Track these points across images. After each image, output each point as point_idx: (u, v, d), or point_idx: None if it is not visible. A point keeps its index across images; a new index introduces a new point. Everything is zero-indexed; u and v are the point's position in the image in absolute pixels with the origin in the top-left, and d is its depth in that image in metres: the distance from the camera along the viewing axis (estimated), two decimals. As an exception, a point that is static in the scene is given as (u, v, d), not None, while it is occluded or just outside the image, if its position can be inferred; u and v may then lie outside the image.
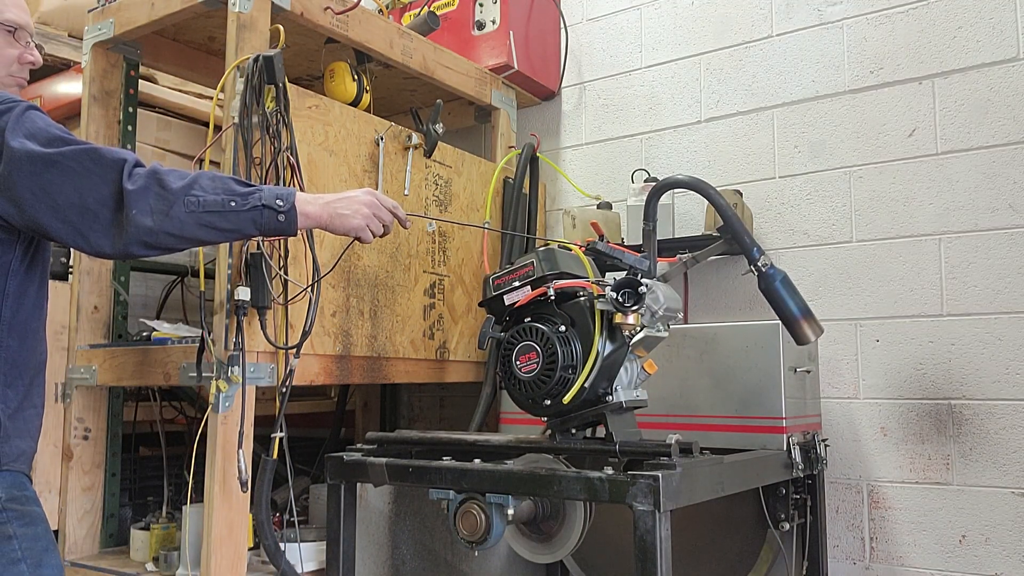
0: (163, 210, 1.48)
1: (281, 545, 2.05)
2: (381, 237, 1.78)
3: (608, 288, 1.81)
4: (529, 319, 1.90)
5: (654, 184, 2.07)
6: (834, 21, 2.71)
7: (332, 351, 2.17)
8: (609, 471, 1.69)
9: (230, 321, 1.93)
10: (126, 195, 1.46)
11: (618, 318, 1.79)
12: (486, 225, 2.73)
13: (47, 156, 1.46)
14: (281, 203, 1.58)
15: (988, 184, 2.43)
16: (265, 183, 1.98)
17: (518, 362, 1.87)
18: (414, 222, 2.48)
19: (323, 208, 1.66)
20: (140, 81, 2.58)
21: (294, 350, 2.01)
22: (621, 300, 1.78)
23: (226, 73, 2.03)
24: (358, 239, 1.74)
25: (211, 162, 2.04)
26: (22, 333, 1.60)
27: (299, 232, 1.64)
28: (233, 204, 1.54)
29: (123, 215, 1.46)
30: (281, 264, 2.02)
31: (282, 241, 2.02)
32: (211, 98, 2.07)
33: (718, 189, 2.00)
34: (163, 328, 2.25)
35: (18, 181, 1.47)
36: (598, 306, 1.82)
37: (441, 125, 2.47)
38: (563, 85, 3.22)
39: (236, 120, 1.99)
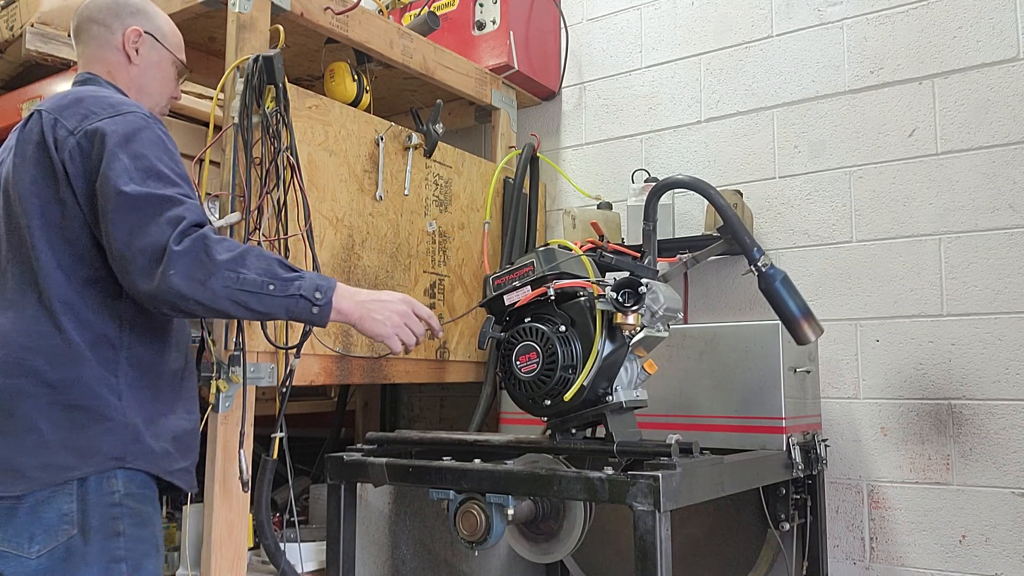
0: (200, 279, 1.49)
1: (281, 545, 2.06)
2: (409, 350, 1.77)
3: (608, 288, 1.81)
4: (529, 319, 1.90)
5: (654, 184, 2.07)
6: (834, 21, 2.71)
7: (332, 351, 2.17)
8: (609, 471, 1.69)
9: (230, 321, 1.93)
10: (169, 254, 1.48)
11: (618, 318, 1.79)
12: (486, 225, 2.73)
13: (122, 192, 1.50)
14: (319, 296, 1.58)
15: (988, 184, 2.43)
16: (265, 183, 1.99)
17: (518, 362, 1.88)
18: (414, 220, 2.48)
19: (357, 307, 1.66)
20: (140, 81, 2.57)
21: (294, 350, 2.01)
22: (621, 300, 1.78)
23: (226, 73, 2.03)
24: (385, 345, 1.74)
25: (211, 162, 2.04)
26: (149, 338, 1.62)
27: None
28: (272, 288, 1.54)
29: (159, 269, 1.48)
30: (281, 264, 2.02)
31: (282, 242, 2.02)
32: (211, 98, 2.07)
33: (718, 189, 2.00)
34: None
35: (98, 197, 1.53)
36: (598, 306, 1.82)
37: (441, 125, 2.47)
38: (563, 85, 3.22)
39: (236, 120, 1.99)
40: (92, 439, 1.51)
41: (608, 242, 2.05)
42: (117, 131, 1.55)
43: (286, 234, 2.01)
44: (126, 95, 1.74)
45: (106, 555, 1.50)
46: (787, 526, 2.21)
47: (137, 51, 1.76)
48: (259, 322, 1.94)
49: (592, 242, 2.07)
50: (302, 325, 2.02)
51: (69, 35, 2.88)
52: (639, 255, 2.01)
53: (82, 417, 1.51)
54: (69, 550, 1.47)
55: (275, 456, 2.02)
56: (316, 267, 2.07)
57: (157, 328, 1.65)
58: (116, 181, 1.51)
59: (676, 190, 2.55)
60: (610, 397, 1.87)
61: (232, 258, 1.52)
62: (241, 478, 1.92)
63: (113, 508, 1.52)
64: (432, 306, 2.52)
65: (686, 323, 2.68)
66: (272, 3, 2.13)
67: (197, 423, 1.74)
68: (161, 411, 1.62)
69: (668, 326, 1.95)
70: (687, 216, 2.81)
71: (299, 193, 2.04)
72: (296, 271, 1.60)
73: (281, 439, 2.02)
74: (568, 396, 1.81)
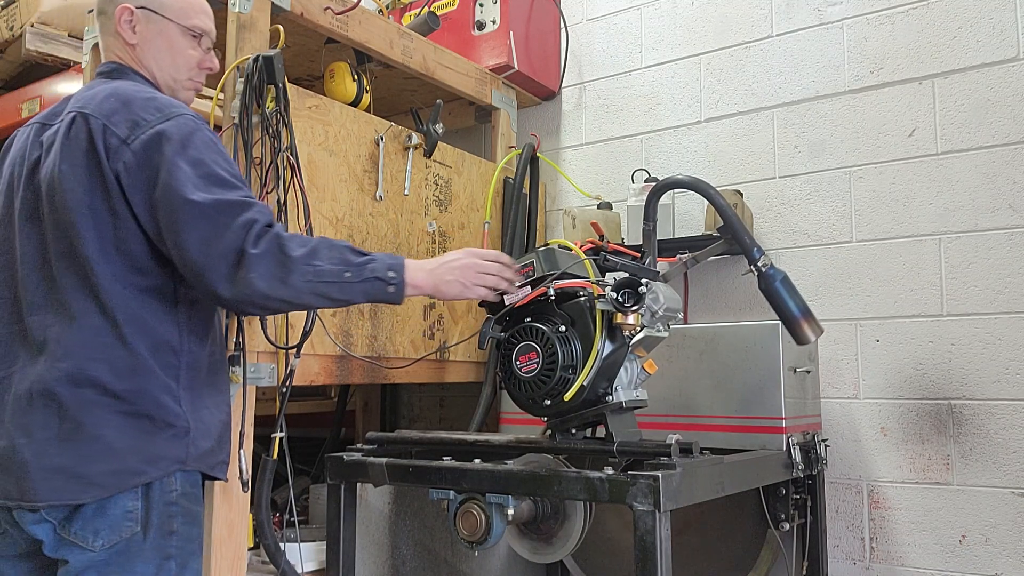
0: (281, 277, 1.52)
1: (281, 545, 2.06)
2: (500, 293, 1.84)
3: (608, 288, 1.81)
4: (529, 319, 1.90)
5: (654, 184, 2.07)
6: (834, 21, 2.71)
7: (332, 351, 2.17)
8: (609, 471, 1.69)
9: (230, 321, 1.93)
10: (247, 257, 1.50)
11: (618, 318, 1.79)
12: (486, 225, 2.73)
13: (190, 201, 1.50)
14: (393, 275, 1.63)
15: (988, 184, 2.43)
16: (265, 183, 1.99)
17: (518, 362, 1.88)
18: (414, 220, 2.48)
19: (428, 276, 1.71)
20: (140, 81, 2.57)
21: (294, 350, 2.01)
22: (621, 300, 1.78)
23: (226, 73, 2.03)
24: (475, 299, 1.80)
25: (211, 162, 2.04)
26: (200, 339, 1.64)
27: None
28: (348, 275, 1.58)
29: (240, 274, 1.50)
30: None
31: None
32: (211, 98, 2.07)
33: (718, 189, 2.00)
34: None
35: (161, 207, 1.52)
36: (598, 306, 1.82)
37: (441, 125, 2.47)
38: (563, 85, 3.22)
39: (236, 120, 1.99)
40: (159, 446, 1.53)
41: (608, 242, 2.05)
42: (172, 138, 1.54)
43: (286, 234, 2.01)
44: (149, 79, 1.72)
45: (160, 552, 1.53)
46: (787, 526, 2.21)
47: (134, 30, 1.71)
48: (284, 315, 1.98)
49: (592, 242, 2.07)
50: (302, 325, 2.03)
51: (69, 35, 2.89)
52: (639, 255, 2.01)
53: (148, 425, 1.53)
54: (129, 545, 1.51)
55: (275, 456, 2.02)
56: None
57: (205, 327, 1.66)
58: (181, 190, 1.50)
59: (676, 190, 2.55)
60: (610, 397, 1.87)
61: (307, 252, 1.55)
62: (241, 478, 1.91)
63: (170, 507, 1.55)
64: (432, 306, 2.52)
65: (686, 323, 2.68)
66: (272, 3, 2.12)
67: (230, 413, 1.76)
68: (206, 406, 1.63)
69: (668, 326, 1.95)
70: (687, 216, 2.81)
71: (299, 193, 2.04)
72: (367, 254, 1.64)
73: (281, 439, 2.02)
74: (568, 396, 1.81)
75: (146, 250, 1.56)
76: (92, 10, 2.36)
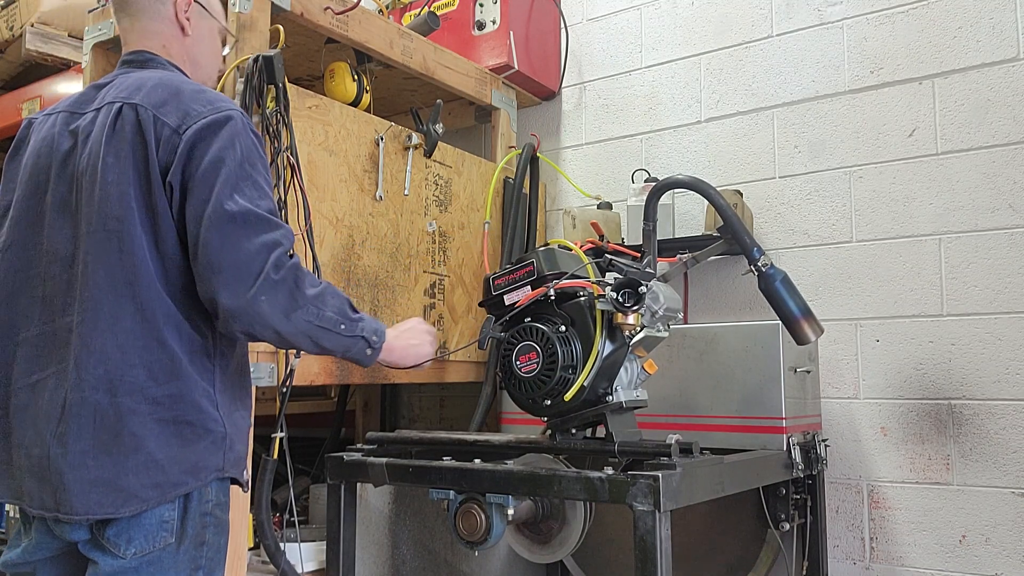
0: (287, 311, 1.48)
1: (281, 545, 2.05)
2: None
3: (608, 288, 1.81)
4: (529, 319, 1.90)
5: (654, 184, 2.07)
6: (834, 21, 2.71)
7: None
8: (609, 471, 1.69)
9: (230, 321, 1.93)
10: (264, 280, 1.45)
11: (618, 318, 1.79)
12: (486, 225, 2.73)
13: (222, 201, 1.45)
14: (376, 339, 1.64)
15: (988, 184, 2.43)
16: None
17: (518, 362, 1.88)
18: (414, 220, 2.48)
19: (399, 342, 1.77)
20: (140, 81, 2.57)
21: (294, 350, 2.01)
22: (621, 300, 1.78)
23: (226, 73, 2.03)
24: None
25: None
26: (230, 342, 1.59)
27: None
28: (343, 327, 1.57)
29: (250, 292, 1.45)
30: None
31: (282, 241, 2.01)
32: (211, 98, 2.06)
33: (718, 189, 2.00)
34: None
35: (193, 196, 1.47)
36: (598, 306, 1.82)
37: (441, 125, 2.46)
38: (563, 85, 3.22)
39: (236, 120, 1.99)
40: (200, 454, 1.49)
41: (608, 242, 2.05)
42: (221, 132, 1.49)
43: (286, 234, 2.01)
44: (183, 72, 1.68)
45: (192, 563, 1.50)
46: (787, 526, 2.21)
47: (189, 20, 1.68)
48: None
49: (592, 242, 2.07)
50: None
51: (69, 35, 2.89)
52: (639, 255, 2.01)
53: (188, 432, 1.48)
54: (162, 556, 1.47)
55: (275, 456, 2.02)
56: (316, 267, 2.07)
57: None
58: (218, 187, 1.46)
59: (676, 190, 2.55)
60: (610, 397, 1.87)
61: (317, 294, 1.52)
62: (241, 478, 1.91)
63: (205, 517, 1.52)
64: (432, 306, 2.52)
65: (686, 323, 2.68)
66: (272, 3, 2.12)
67: (251, 413, 1.71)
68: (238, 409, 1.60)
69: (668, 326, 1.95)
70: (687, 216, 2.81)
71: (299, 193, 2.04)
72: (358, 312, 1.63)
73: (281, 439, 2.02)
74: (568, 396, 1.81)
75: (180, 249, 1.50)
76: (92, 10, 2.37)
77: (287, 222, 2.01)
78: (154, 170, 1.48)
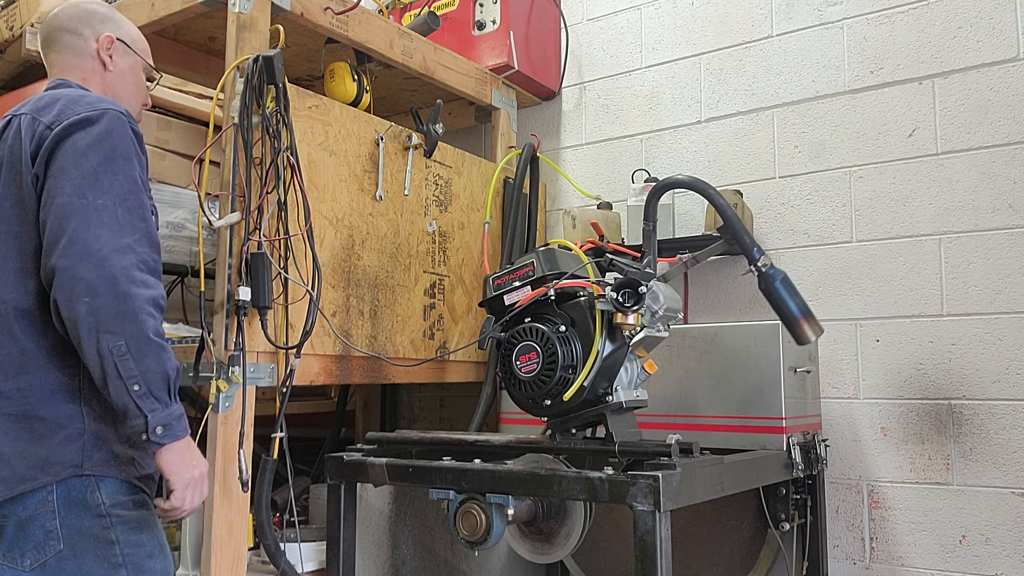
0: (100, 326, 1.43)
1: (281, 545, 2.06)
2: (180, 516, 1.60)
3: (608, 288, 1.81)
4: (529, 319, 1.90)
5: (654, 184, 2.07)
6: (834, 21, 2.71)
7: (332, 351, 2.17)
8: (609, 471, 1.69)
9: (230, 321, 1.93)
10: (95, 259, 1.44)
11: (618, 318, 1.79)
12: (486, 225, 2.73)
13: (81, 188, 1.49)
14: (160, 432, 1.49)
15: (988, 184, 2.43)
16: (265, 183, 1.99)
17: (518, 362, 1.88)
18: (414, 220, 2.48)
19: (179, 455, 1.54)
20: (140, 81, 2.57)
21: (294, 350, 2.01)
22: (621, 300, 1.78)
23: (226, 73, 2.03)
24: (171, 494, 1.55)
25: (211, 162, 2.04)
26: None
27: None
28: (136, 388, 1.46)
29: (82, 266, 1.44)
30: (282, 264, 2.02)
31: (282, 241, 2.02)
32: (211, 98, 2.07)
33: (718, 189, 2.00)
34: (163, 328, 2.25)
35: (55, 182, 1.51)
36: (598, 306, 1.82)
37: (441, 125, 2.47)
38: (563, 85, 3.22)
39: (236, 120, 1.99)
40: (51, 450, 1.49)
41: (608, 242, 2.05)
42: (92, 129, 1.53)
43: (286, 234, 2.01)
44: None
45: (105, 561, 1.51)
46: (787, 526, 2.21)
47: (111, 57, 1.76)
48: (285, 314, 2.00)
49: (592, 242, 2.07)
50: (302, 325, 2.03)
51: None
52: (639, 255, 2.01)
53: (40, 427, 1.49)
54: (60, 562, 1.48)
55: (275, 456, 2.02)
56: (316, 267, 2.07)
57: None
58: (78, 180, 1.49)
59: (676, 190, 2.55)
60: (610, 397, 1.87)
61: (146, 319, 1.47)
62: (241, 478, 1.92)
63: (102, 519, 1.52)
64: (432, 306, 2.52)
65: (686, 323, 2.68)
66: (272, 3, 2.13)
67: None
68: (110, 411, 1.57)
69: (668, 326, 1.95)
70: (687, 216, 2.81)
71: (299, 193, 2.04)
72: (174, 403, 1.52)
73: (281, 439, 2.02)
74: (568, 396, 1.81)
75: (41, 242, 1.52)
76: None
77: (287, 222, 2.02)
78: (26, 164, 1.53)
